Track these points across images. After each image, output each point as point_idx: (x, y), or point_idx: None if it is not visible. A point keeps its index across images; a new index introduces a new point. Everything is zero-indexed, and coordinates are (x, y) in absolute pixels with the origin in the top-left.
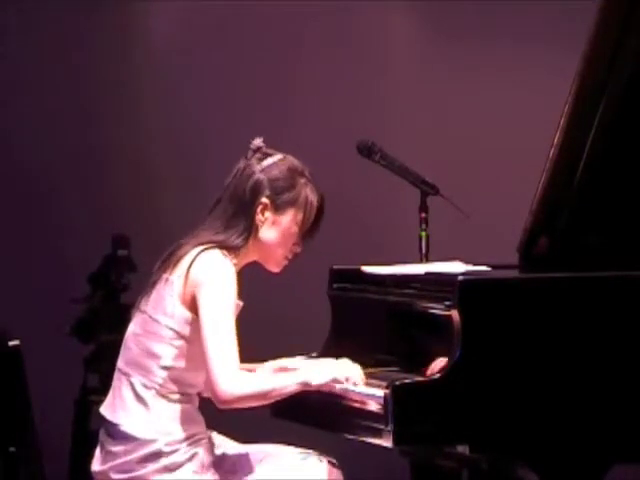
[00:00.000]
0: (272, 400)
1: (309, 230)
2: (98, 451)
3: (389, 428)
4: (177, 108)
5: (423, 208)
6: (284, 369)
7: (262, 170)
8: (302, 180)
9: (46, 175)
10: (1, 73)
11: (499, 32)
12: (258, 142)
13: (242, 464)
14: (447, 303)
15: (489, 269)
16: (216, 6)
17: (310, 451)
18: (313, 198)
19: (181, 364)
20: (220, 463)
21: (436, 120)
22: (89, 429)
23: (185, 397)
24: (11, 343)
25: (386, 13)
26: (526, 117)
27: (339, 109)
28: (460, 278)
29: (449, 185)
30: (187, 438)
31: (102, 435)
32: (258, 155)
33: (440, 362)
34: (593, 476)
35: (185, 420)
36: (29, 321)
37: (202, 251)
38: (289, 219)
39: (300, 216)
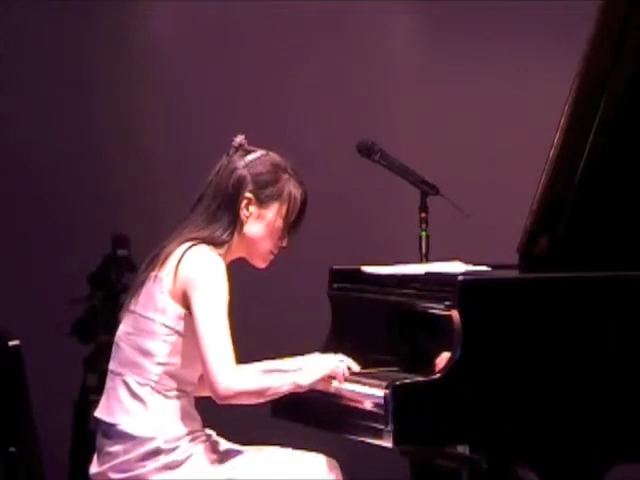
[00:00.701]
0: (268, 399)
1: (293, 224)
2: (96, 456)
3: (389, 428)
4: (177, 108)
5: (423, 208)
6: (276, 371)
7: (245, 166)
8: (285, 175)
9: (46, 175)
10: (1, 72)
11: (499, 32)
12: (240, 139)
13: (241, 464)
14: (447, 303)
15: (489, 269)
16: (216, 6)
17: (309, 451)
18: (296, 192)
19: (176, 360)
20: (220, 462)
21: (436, 120)
22: (89, 429)
23: (182, 394)
24: (11, 343)
25: (386, 13)
26: (526, 117)
27: (339, 109)
28: (460, 278)
29: (449, 185)
30: (187, 435)
31: (99, 438)
32: (240, 152)
33: (446, 357)
34: (594, 476)
35: (183, 416)
36: (29, 321)
37: (190, 247)
38: (274, 213)
39: (284, 209)
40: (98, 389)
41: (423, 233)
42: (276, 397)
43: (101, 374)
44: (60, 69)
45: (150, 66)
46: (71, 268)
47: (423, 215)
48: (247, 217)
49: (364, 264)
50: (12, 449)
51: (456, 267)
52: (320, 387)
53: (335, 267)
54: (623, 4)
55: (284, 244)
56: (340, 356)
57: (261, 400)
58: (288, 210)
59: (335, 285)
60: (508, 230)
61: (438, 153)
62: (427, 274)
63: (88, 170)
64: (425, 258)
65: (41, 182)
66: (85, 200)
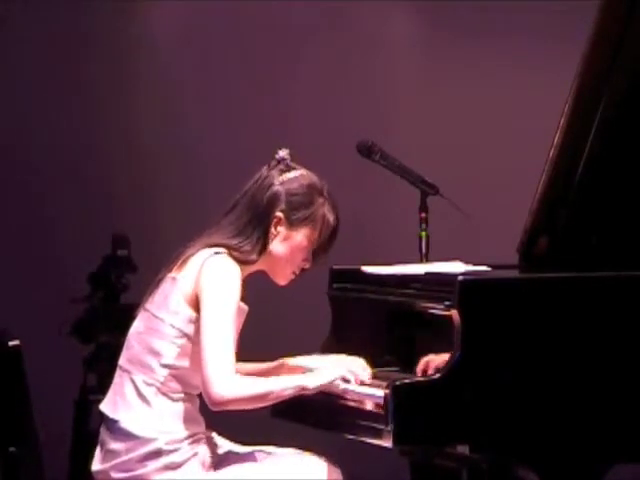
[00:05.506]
0: (269, 403)
1: (321, 249)
2: (98, 450)
3: (389, 428)
4: (177, 108)
5: (423, 208)
6: (295, 369)
7: (282, 183)
8: (320, 199)
9: (46, 175)
10: (1, 72)
11: (499, 32)
12: (284, 153)
13: (242, 464)
14: (447, 303)
15: (489, 269)
16: (216, 7)
17: (310, 452)
18: (330, 217)
19: (184, 363)
20: (220, 463)
21: (436, 120)
22: (89, 429)
23: (187, 397)
24: (11, 343)
25: (386, 13)
26: (526, 117)
27: (339, 109)
28: (460, 278)
29: (449, 185)
30: (188, 437)
31: (102, 433)
32: (281, 166)
33: (434, 360)
34: (594, 476)
35: (186, 419)
36: (29, 321)
37: (213, 254)
38: (301, 236)
39: (315, 234)
40: (98, 389)
41: (423, 233)
42: (280, 400)
43: (101, 374)
44: (61, 68)
45: (150, 66)
46: (71, 268)
47: (423, 215)
48: (275, 235)
49: (364, 264)
50: (12, 449)
51: (456, 267)
52: (326, 389)
53: (335, 267)
54: (623, 4)
55: (307, 266)
56: (354, 362)
57: (262, 405)
58: (319, 235)
59: (335, 285)
60: (508, 230)
61: (438, 153)
62: (427, 274)
63: (88, 170)
64: (425, 258)
65: (41, 182)
66: (85, 200)
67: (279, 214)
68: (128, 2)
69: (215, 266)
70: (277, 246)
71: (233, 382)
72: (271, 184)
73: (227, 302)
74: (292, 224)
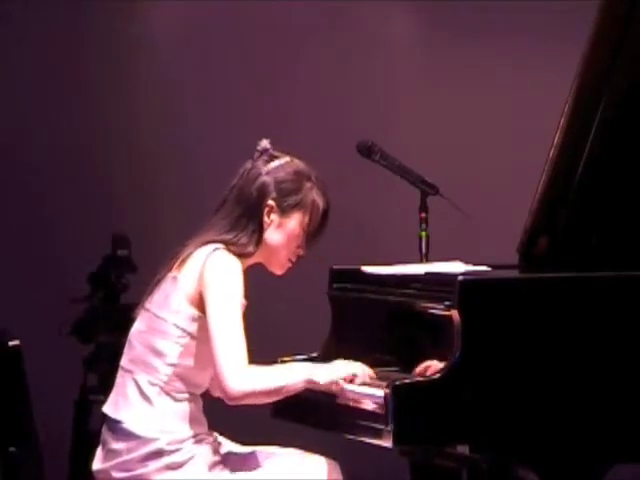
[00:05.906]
0: (282, 396)
1: (314, 234)
2: (99, 450)
3: (389, 428)
4: (177, 108)
5: (423, 208)
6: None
7: (268, 172)
8: (308, 184)
9: (46, 175)
10: (1, 72)
11: (500, 32)
12: (265, 144)
13: (243, 464)
14: (447, 303)
15: (489, 269)
16: (216, 7)
17: (310, 452)
18: (319, 202)
19: (188, 362)
20: (222, 463)
21: (436, 120)
22: (89, 429)
23: (191, 396)
24: (11, 343)
25: (386, 13)
26: (526, 117)
27: (339, 109)
28: (460, 278)
29: (449, 185)
30: (190, 437)
31: (104, 433)
32: (265, 157)
33: (433, 365)
34: (594, 476)
35: (189, 419)
36: (29, 321)
37: (213, 251)
38: (294, 222)
39: (306, 219)
40: (98, 389)
41: (423, 233)
42: (292, 393)
43: (101, 374)
44: (61, 68)
45: (150, 66)
46: (71, 268)
47: (423, 215)
48: (268, 224)
49: (364, 264)
50: (12, 449)
51: (456, 267)
52: (334, 387)
53: (335, 267)
54: (623, 4)
55: (302, 253)
56: (365, 368)
57: (275, 398)
58: (310, 220)
59: (335, 285)
60: (508, 230)
61: (438, 153)
62: (427, 274)
63: (88, 170)
64: (425, 258)
65: (41, 182)
66: (85, 200)
67: (271, 202)
68: (128, 2)
69: (217, 262)
70: (272, 234)
71: (248, 376)
72: (258, 174)
73: (232, 297)
74: (284, 211)
